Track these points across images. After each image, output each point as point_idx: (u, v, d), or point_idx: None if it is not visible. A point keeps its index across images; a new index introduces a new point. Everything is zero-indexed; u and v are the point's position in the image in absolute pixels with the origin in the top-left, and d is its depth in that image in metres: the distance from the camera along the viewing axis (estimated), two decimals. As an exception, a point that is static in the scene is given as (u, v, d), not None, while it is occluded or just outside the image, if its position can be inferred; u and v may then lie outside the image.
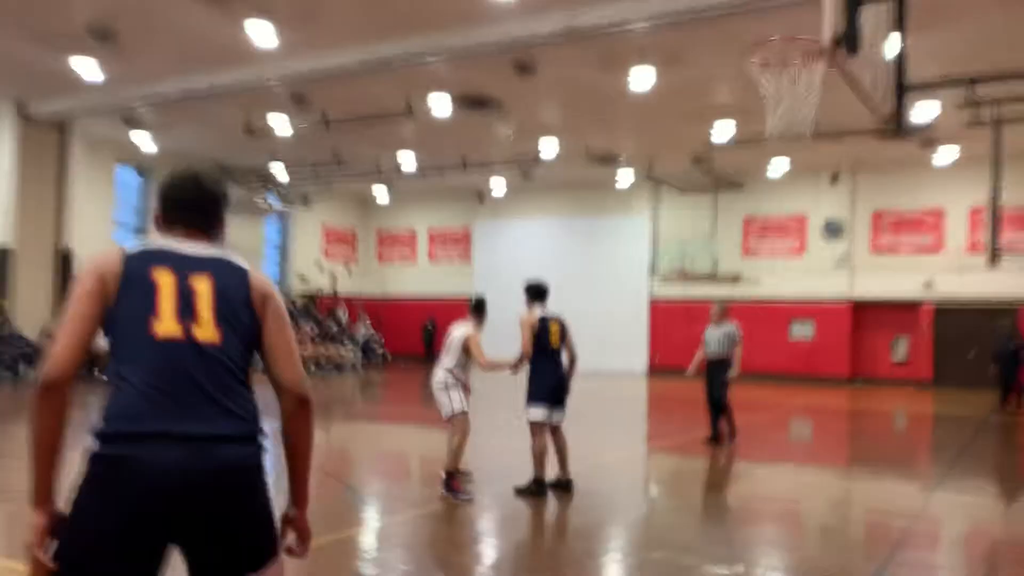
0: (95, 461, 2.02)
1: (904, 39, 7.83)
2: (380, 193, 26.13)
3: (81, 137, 18.68)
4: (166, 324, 2.12)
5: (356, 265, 29.54)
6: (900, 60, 7.80)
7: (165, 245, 2.28)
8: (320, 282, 27.56)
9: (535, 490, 7.04)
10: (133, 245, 2.29)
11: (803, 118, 8.54)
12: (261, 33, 12.45)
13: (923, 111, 15.40)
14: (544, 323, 7.29)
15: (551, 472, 7.23)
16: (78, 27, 12.63)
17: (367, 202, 29.42)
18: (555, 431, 7.35)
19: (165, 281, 2.17)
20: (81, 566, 2.00)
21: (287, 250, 27.32)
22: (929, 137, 18.21)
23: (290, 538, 2.33)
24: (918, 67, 11.89)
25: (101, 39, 12.88)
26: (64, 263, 18.39)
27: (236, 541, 2.10)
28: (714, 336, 10.51)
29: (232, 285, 2.24)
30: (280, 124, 17.68)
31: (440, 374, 7.34)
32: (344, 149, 20.51)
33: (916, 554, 5.78)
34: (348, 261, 29.23)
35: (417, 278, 28.84)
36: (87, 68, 14.44)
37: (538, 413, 7.16)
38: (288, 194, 25.10)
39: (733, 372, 10.39)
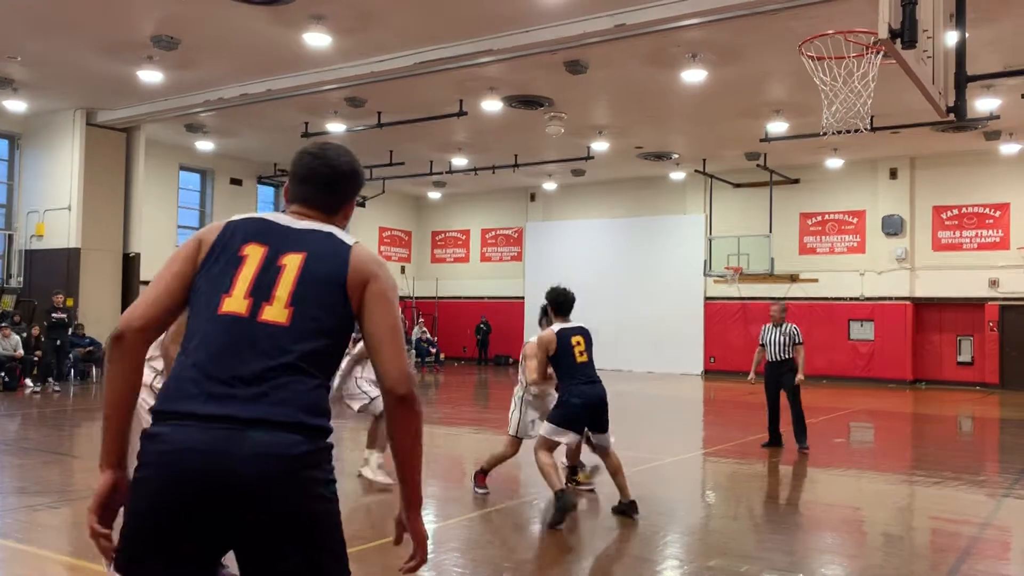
0: (142, 437, 1.94)
1: (964, 30, 7.62)
2: (433, 194, 26.32)
3: (145, 143, 19.22)
4: (234, 300, 2.01)
5: (410, 265, 29.82)
6: (961, 51, 7.58)
7: (273, 218, 2.17)
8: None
9: (559, 507, 6.08)
10: (242, 215, 2.21)
11: (859, 112, 8.38)
12: (317, 39, 12.65)
13: (985, 103, 14.96)
14: (564, 338, 6.41)
15: (611, 496, 6.70)
16: (144, 37, 13.02)
17: (421, 203, 29.69)
18: (604, 453, 6.53)
19: (253, 256, 2.06)
20: (126, 543, 1.90)
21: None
22: (993, 129, 17.68)
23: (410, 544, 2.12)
24: (980, 58, 11.61)
25: (165, 48, 13.25)
26: (129, 265, 18.94)
27: (282, 547, 1.88)
28: (775, 337, 10.18)
29: (327, 264, 2.07)
30: (336, 127, 17.95)
31: (517, 388, 7.20)
32: (398, 150, 20.72)
33: (984, 564, 5.60)
34: (403, 261, 29.52)
35: (470, 279, 28.98)
36: (152, 76, 14.88)
37: (554, 431, 6.36)
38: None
39: (800, 376, 10.04)
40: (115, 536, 1.96)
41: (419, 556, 2.12)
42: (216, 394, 1.91)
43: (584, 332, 6.56)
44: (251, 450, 1.86)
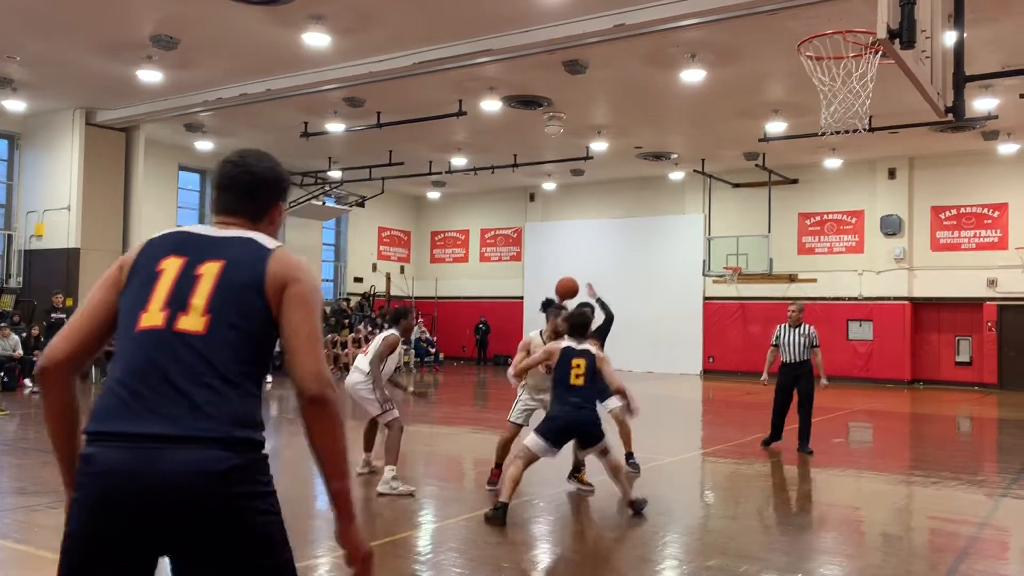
0: (79, 459, 1.95)
1: (963, 30, 7.63)
2: (433, 194, 26.33)
3: (145, 142, 19.21)
4: (150, 315, 1.99)
5: (409, 265, 29.82)
6: (959, 51, 7.60)
7: (195, 229, 2.17)
8: (374, 282, 27.87)
9: (491, 515, 6.19)
10: (164, 231, 2.21)
11: (857, 112, 8.39)
12: (317, 39, 12.64)
13: (984, 103, 14.98)
14: (566, 356, 6.53)
15: (611, 495, 6.87)
16: (143, 37, 13.01)
17: (420, 203, 29.69)
18: (601, 454, 6.58)
19: (171, 269, 2.04)
20: (64, 563, 1.92)
21: (342, 251, 27.70)
22: (991, 129, 17.70)
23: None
24: (979, 58, 11.62)
25: (165, 48, 13.25)
26: (128, 266, 18.95)
27: (216, 565, 1.87)
28: (792, 338, 9.94)
29: (245, 269, 2.04)
30: (335, 126, 17.95)
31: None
32: (397, 150, 20.72)
33: (983, 564, 5.61)
34: (402, 261, 29.52)
35: (469, 278, 28.98)
36: (151, 76, 14.88)
37: (534, 442, 6.41)
38: (344, 196, 25.49)
39: (823, 381, 9.89)
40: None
41: (360, 571, 2.06)
42: (138, 411, 1.89)
43: (589, 357, 6.58)
44: (173, 468, 1.83)
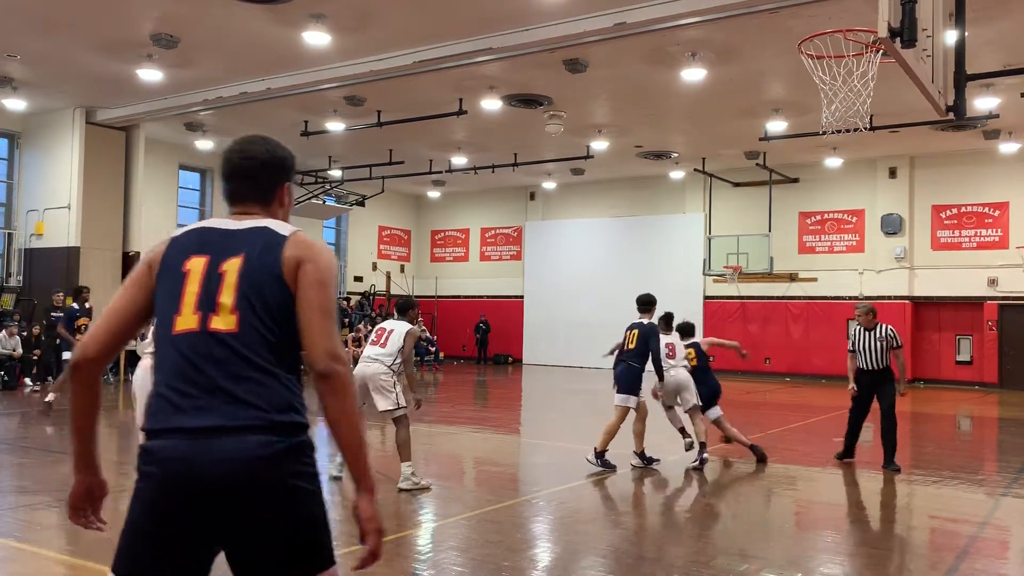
0: (138, 452, 2.09)
1: (964, 28, 7.63)
2: (433, 193, 26.32)
3: (145, 141, 19.20)
4: (184, 318, 2.09)
5: (409, 264, 29.81)
6: (960, 50, 7.59)
7: (214, 224, 2.24)
8: (375, 281, 27.87)
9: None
10: (186, 227, 2.28)
11: (858, 111, 8.39)
12: (317, 37, 12.64)
13: (985, 102, 14.97)
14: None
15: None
16: (143, 36, 13.00)
17: (421, 202, 29.68)
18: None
19: (196, 269, 2.14)
20: (124, 548, 2.04)
21: (343, 250, 27.69)
22: (992, 128, 17.69)
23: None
24: (980, 57, 11.61)
25: (165, 47, 13.25)
26: (129, 264, 18.92)
27: (267, 543, 1.99)
28: (868, 343, 9.00)
29: (263, 260, 2.12)
30: (335, 125, 17.94)
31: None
32: (397, 149, 20.72)
33: (983, 563, 5.61)
34: (402, 260, 29.52)
35: (469, 277, 28.98)
36: (151, 75, 14.87)
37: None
38: (344, 195, 25.48)
39: (902, 388, 9.09)
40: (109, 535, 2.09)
41: (370, 543, 2.13)
42: (187, 408, 2.01)
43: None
44: (225, 455, 1.96)
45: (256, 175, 2.29)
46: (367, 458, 2.12)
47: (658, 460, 8.87)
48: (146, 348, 5.80)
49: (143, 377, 5.83)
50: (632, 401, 8.58)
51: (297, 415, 2.07)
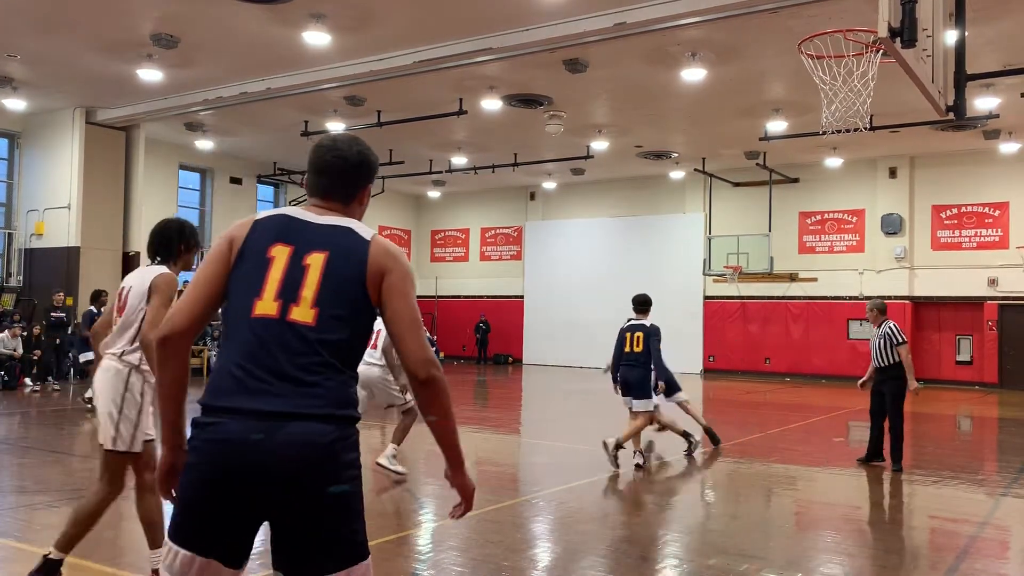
0: (193, 425, 2.17)
1: (964, 28, 7.63)
2: (433, 193, 26.30)
3: (145, 141, 19.21)
4: (265, 303, 2.17)
5: (409, 264, 29.79)
6: (960, 50, 7.59)
7: (295, 214, 2.31)
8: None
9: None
10: (267, 212, 2.36)
11: (858, 111, 8.39)
12: (317, 37, 12.64)
13: (985, 102, 14.97)
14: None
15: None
16: (143, 36, 13.01)
17: (421, 202, 29.68)
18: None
19: (280, 257, 2.21)
20: (178, 517, 2.15)
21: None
22: (992, 128, 17.69)
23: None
24: (980, 57, 11.62)
25: (165, 47, 13.25)
26: (129, 264, 18.91)
27: (310, 526, 2.09)
28: (873, 341, 9.10)
29: (347, 262, 2.22)
30: (335, 125, 17.94)
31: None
32: (398, 149, 20.72)
33: (983, 563, 5.61)
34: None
35: (469, 277, 28.98)
36: (151, 75, 14.88)
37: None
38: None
39: (913, 384, 8.95)
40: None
41: (464, 505, 2.45)
42: (253, 390, 2.10)
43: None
44: (285, 440, 2.06)
45: (344, 174, 2.38)
46: (460, 445, 2.39)
47: (651, 458, 8.99)
48: (108, 348, 4.44)
49: (106, 381, 4.35)
50: (652, 404, 8.80)
51: (354, 410, 2.19)
